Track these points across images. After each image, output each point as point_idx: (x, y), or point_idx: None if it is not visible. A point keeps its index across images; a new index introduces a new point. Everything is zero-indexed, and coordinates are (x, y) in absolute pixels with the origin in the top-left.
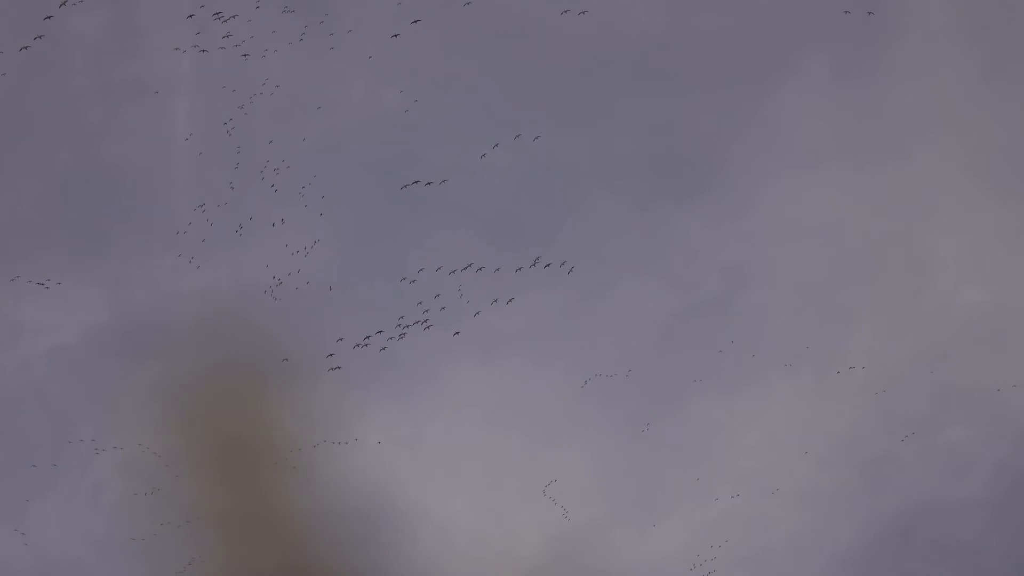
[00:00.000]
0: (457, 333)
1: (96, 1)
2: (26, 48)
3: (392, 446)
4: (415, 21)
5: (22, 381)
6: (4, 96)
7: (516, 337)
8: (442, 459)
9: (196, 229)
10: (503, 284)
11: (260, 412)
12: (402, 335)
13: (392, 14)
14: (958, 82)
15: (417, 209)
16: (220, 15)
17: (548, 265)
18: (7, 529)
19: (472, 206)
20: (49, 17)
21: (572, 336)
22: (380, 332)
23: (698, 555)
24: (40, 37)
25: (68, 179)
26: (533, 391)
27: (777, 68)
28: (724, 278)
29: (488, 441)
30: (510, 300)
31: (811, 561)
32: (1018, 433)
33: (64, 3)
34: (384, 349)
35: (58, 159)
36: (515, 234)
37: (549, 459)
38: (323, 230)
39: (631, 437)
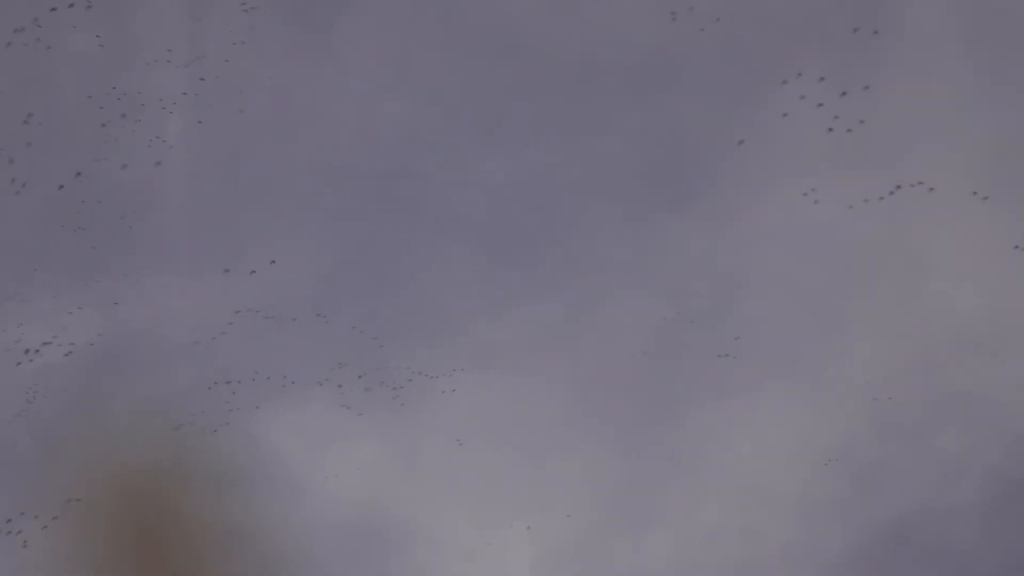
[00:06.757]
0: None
1: (90, 13)
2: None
3: (384, 460)
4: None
5: (15, 401)
6: None
7: (509, 349)
8: (434, 473)
9: (190, 247)
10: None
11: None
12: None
13: (389, 23)
14: (954, 87)
15: (409, 223)
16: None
17: None
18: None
19: (465, 218)
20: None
21: (565, 347)
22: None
23: (691, 564)
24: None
25: (61, 194)
26: (525, 403)
27: (771, 76)
28: (717, 286)
29: (480, 454)
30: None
31: (804, 569)
32: (1012, 438)
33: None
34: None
35: (51, 174)
36: (509, 246)
37: (541, 472)
38: (318, 247)
39: (624, 447)
